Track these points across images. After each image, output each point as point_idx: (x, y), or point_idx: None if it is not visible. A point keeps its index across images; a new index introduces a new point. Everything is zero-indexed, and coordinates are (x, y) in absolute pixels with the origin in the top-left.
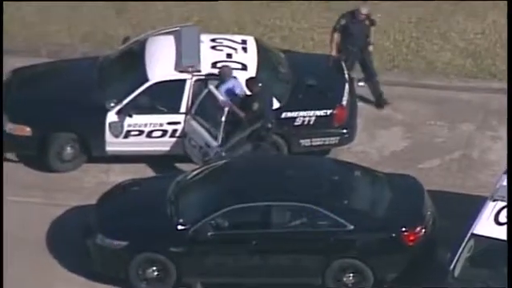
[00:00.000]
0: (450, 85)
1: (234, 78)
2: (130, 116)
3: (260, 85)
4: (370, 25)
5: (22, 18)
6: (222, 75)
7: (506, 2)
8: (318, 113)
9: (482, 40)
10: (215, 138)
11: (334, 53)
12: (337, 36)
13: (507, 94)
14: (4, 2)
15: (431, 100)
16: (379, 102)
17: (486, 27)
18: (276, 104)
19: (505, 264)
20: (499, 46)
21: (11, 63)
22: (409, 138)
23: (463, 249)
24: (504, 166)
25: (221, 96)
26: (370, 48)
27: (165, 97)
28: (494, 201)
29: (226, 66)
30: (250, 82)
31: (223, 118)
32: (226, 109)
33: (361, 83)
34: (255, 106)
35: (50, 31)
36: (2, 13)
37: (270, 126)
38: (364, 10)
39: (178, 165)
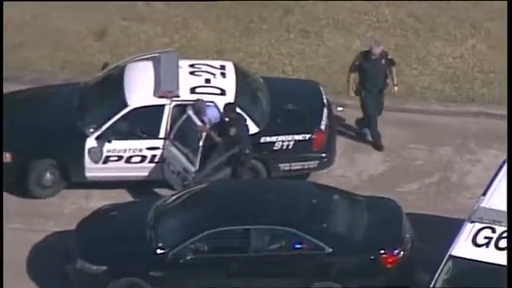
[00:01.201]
0: (429, 109)
1: (210, 104)
2: (109, 141)
3: (237, 110)
4: (388, 64)
5: (5, 46)
6: (196, 110)
7: (484, 29)
8: (297, 137)
9: (460, 64)
10: (193, 163)
11: (350, 92)
12: (353, 75)
13: (507, 106)
14: None
15: (410, 124)
16: (378, 145)
17: (465, 52)
18: (255, 129)
19: (482, 286)
20: (477, 70)
21: None
22: (388, 162)
23: (441, 270)
24: (482, 188)
25: (198, 121)
26: (395, 88)
27: (144, 122)
28: (472, 222)
29: (199, 100)
30: (227, 107)
31: (201, 143)
32: (204, 134)
33: (339, 108)
34: (232, 131)
35: (32, 58)
36: (1, 13)
37: (247, 151)
38: (376, 50)
39: (157, 190)
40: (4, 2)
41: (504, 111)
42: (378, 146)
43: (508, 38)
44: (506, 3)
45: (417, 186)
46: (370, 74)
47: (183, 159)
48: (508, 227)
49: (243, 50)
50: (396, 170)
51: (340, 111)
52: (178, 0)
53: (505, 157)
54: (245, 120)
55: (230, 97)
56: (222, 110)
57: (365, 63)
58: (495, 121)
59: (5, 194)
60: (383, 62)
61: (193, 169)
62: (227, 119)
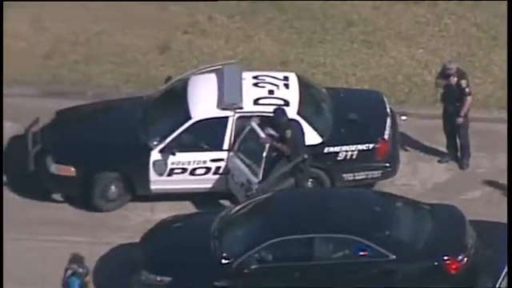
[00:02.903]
0: (491, 117)
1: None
2: (174, 154)
3: (288, 115)
4: (459, 88)
5: (70, 63)
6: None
7: None
8: (361, 147)
9: None
10: (256, 175)
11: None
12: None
13: (507, 110)
14: (55, 50)
15: (473, 132)
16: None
17: None
18: (318, 139)
19: None
20: None
21: (59, 105)
22: (451, 170)
23: (504, 276)
24: None
25: (262, 133)
26: (459, 120)
27: (208, 134)
28: None
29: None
30: (277, 112)
31: (264, 155)
32: (267, 145)
33: (403, 117)
34: (288, 133)
35: (94, 74)
36: (1, 13)
37: (305, 156)
38: (449, 65)
39: (221, 201)
40: (59, 23)
41: None
42: (461, 164)
43: (508, 37)
44: None
45: (480, 193)
46: (446, 93)
47: (247, 171)
48: (508, 227)
49: (306, 61)
50: (459, 178)
51: (403, 120)
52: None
53: None
54: (300, 125)
55: (294, 107)
56: (273, 115)
57: (442, 80)
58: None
59: (70, 208)
60: (453, 81)
61: (256, 180)
62: (280, 125)
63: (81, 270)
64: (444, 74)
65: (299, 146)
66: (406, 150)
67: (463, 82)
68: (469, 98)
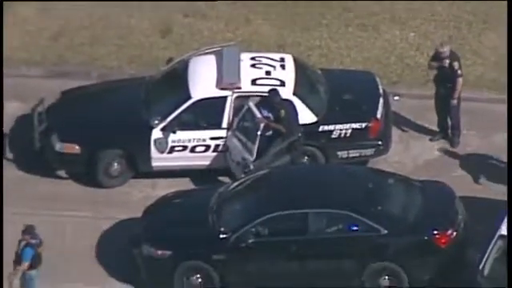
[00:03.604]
0: (482, 97)
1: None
2: (174, 132)
3: (281, 95)
4: (451, 70)
5: (76, 45)
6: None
7: None
8: (354, 126)
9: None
10: (250, 153)
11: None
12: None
13: (507, 100)
14: (61, 33)
15: (463, 111)
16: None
17: None
18: (313, 118)
19: None
20: None
21: (65, 86)
22: (442, 148)
23: (492, 249)
24: None
25: (258, 113)
26: (453, 102)
27: (207, 113)
28: None
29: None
30: (271, 93)
31: (259, 133)
32: (262, 124)
33: (396, 97)
34: (282, 113)
35: (99, 55)
36: (1, 13)
37: (299, 134)
38: (441, 49)
39: (219, 177)
40: (70, 5)
41: None
42: (451, 142)
43: (508, 37)
44: None
45: (469, 170)
46: (439, 75)
47: (242, 148)
48: (508, 226)
49: (303, 44)
50: (449, 156)
51: (396, 100)
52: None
53: None
54: (293, 105)
55: (290, 88)
56: (268, 96)
57: (435, 63)
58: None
59: (75, 184)
60: (446, 63)
61: (250, 158)
62: (274, 104)
63: (34, 241)
64: (437, 57)
65: (293, 125)
66: (399, 129)
67: (455, 64)
68: (460, 80)
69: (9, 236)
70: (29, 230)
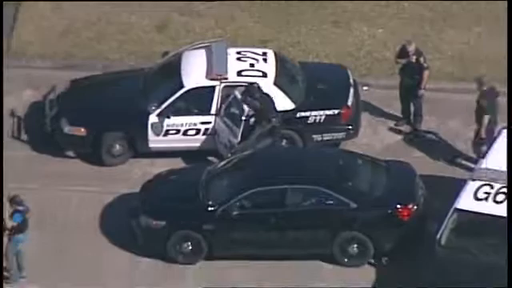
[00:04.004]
0: (440, 87)
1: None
2: (169, 117)
3: (258, 88)
4: (418, 65)
5: (83, 40)
6: (248, 93)
7: (489, 18)
8: (328, 112)
9: (467, 49)
10: (235, 136)
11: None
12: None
13: (507, 96)
14: (70, 29)
15: (424, 100)
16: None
17: (471, 38)
18: (292, 105)
19: (483, 234)
20: (481, 53)
21: (73, 76)
22: (405, 132)
23: (448, 221)
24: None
25: (245, 101)
26: (420, 92)
27: (198, 101)
28: (474, 180)
29: (253, 85)
30: (251, 87)
31: (243, 118)
32: (247, 110)
33: (365, 87)
34: (261, 104)
35: (103, 49)
36: (1, 13)
37: (277, 121)
38: (409, 46)
39: (209, 157)
40: (75, 4)
41: (505, 88)
42: (414, 127)
43: (508, 37)
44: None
45: (429, 152)
46: (405, 67)
47: (228, 132)
48: (508, 225)
49: (283, 40)
50: (412, 139)
51: (365, 90)
52: None
53: (501, 126)
54: (270, 97)
55: (271, 79)
56: (248, 89)
57: (402, 59)
58: (499, 98)
59: (81, 163)
60: (414, 59)
61: (236, 140)
62: (254, 97)
63: (21, 208)
64: (404, 53)
65: (270, 114)
66: (367, 115)
67: (421, 59)
68: (427, 72)
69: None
70: (15, 199)
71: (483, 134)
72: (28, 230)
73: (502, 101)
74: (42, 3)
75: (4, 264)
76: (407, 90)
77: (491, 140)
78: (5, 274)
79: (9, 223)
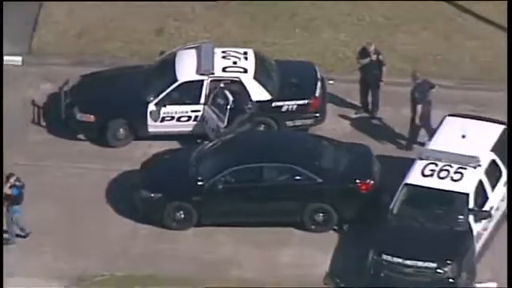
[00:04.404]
0: (394, 81)
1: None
2: (165, 106)
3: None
4: (377, 62)
5: (93, 40)
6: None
7: (435, 23)
8: (299, 102)
9: (416, 50)
10: (222, 121)
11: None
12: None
13: (507, 95)
14: (82, 31)
15: (381, 91)
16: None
17: (420, 41)
18: (268, 96)
19: (429, 205)
20: (429, 53)
21: (84, 71)
22: (364, 119)
23: (399, 194)
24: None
25: (227, 93)
26: (381, 84)
27: (189, 92)
28: (421, 159)
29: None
30: (232, 84)
31: (228, 107)
32: (231, 99)
33: (330, 81)
34: (240, 97)
35: (110, 48)
36: (1, 13)
37: (253, 110)
38: (369, 47)
39: (198, 140)
40: (87, 10)
41: (449, 83)
42: (372, 115)
43: (508, 37)
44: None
45: (385, 135)
46: (366, 64)
47: (216, 118)
48: (508, 226)
49: (261, 41)
50: (370, 125)
51: (330, 84)
52: (214, 0)
53: (445, 114)
54: (248, 92)
55: (251, 74)
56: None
57: (363, 59)
58: (444, 90)
59: (90, 145)
60: (374, 58)
61: (223, 125)
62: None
63: (18, 183)
64: (365, 53)
65: (249, 102)
66: (332, 105)
67: (380, 57)
68: (384, 68)
69: (39, 186)
70: (12, 176)
71: (418, 122)
72: (23, 203)
73: (441, 92)
74: (58, 10)
75: (4, 228)
76: (368, 83)
77: (427, 125)
78: (4, 235)
79: (7, 196)
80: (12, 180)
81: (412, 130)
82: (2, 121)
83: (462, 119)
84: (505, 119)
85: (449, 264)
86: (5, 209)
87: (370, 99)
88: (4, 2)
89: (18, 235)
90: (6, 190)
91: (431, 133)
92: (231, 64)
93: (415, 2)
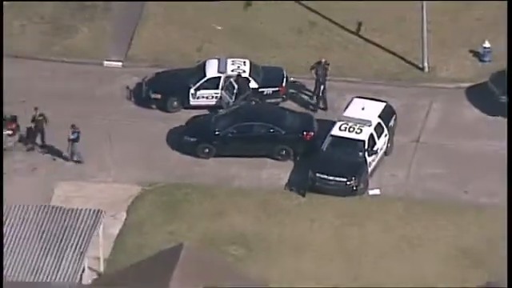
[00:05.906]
0: (344, 79)
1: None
2: (199, 90)
3: (243, 79)
4: (325, 69)
5: (166, 50)
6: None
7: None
8: (273, 89)
9: (346, 61)
10: (231, 99)
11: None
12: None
13: (507, 93)
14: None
15: (330, 87)
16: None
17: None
18: (256, 85)
19: (344, 147)
20: (392, 58)
21: (149, 72)
22: (313, 103)
23: (326, 140)
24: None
25: (234, 83)
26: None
27: (212, 83)
28: (340, 121)
29: (241, 77)
30: (238, 76)
31: (235, 91)
32: (236, 87)
33: (292, 78)
34: (242, 85)
35: (171, 58)
36: (1, 13)
37: (249, 92)
38: (322, 59)
39: (218, 110)
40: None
41: (403, 82)
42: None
43: (508, 38)
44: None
45: (321, 112)
46: (317, 69)
47: (228, 98)
48: (508, 226)
49: (253, 56)
50: (316, 106)
51: (293, 81)
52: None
53: (353, 96)
54: (248, 81)
55: (247, 73)
56: (238, 78)
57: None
58: (405, 88)
59: (159, 112)
60: (326, 66)
61: (231, 101)
62: (240, 81)
63: (77, 130)
64: (317, 64)
65: (246, 90)
66: (294, 92)
67: (327, 66)
68: (328, 72)
69: (129, 132)
70: (74, 126)
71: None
72: (80, 143)
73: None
74: (154, 24)
75: (69, 157)
76: (319, 83)
77: (347, 102)
78: (73, 158)
79: (71, 136)
80: (73, 128)
81: (322, 99)
82: (2, 116)
83: (363, 99)
84: (387, 102)
85: (354, 179)
86: (70, 144)
87: (317, 92)
88: (111, 15)
89: (77, 161)
90: (70, 135)
91: (326, 103)
92: (236, 67)
93: None
